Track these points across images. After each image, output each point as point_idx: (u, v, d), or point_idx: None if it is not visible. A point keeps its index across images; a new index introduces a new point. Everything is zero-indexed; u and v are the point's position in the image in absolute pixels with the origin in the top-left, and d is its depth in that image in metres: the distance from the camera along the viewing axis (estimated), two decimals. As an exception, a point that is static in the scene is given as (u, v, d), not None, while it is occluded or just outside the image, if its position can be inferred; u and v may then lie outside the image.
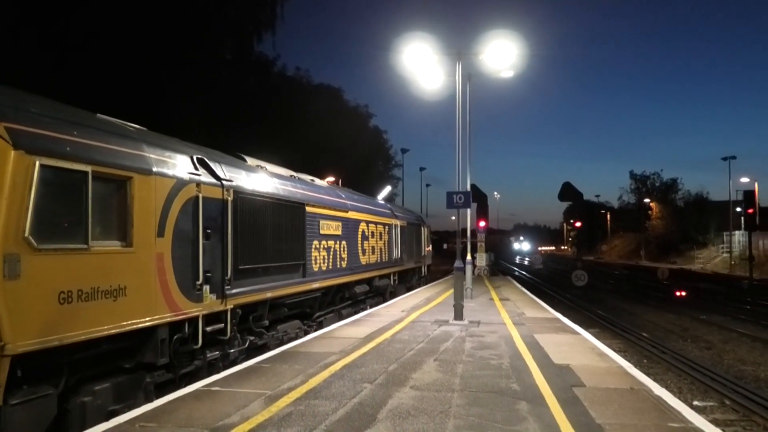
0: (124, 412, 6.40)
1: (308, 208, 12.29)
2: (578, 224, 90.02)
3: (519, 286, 27.81)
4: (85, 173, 5.96)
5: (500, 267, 58.42)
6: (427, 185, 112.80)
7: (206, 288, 8.10)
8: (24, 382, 5.35)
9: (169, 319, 7.24)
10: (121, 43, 22.53)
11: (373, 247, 17.72)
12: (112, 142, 6.53)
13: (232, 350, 9.12)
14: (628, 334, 18.51)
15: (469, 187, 21.98)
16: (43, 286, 5.39)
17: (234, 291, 8.87)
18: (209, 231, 8.23)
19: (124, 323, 6.40)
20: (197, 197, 7.97)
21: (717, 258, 59.71)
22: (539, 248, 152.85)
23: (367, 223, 17.23)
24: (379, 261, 18.51)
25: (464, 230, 24.48)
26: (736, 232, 54.43)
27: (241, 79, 31.88)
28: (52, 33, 20.99)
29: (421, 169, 58.99)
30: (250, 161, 11.12)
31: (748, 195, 42.37)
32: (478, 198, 31.18)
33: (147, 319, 6.81)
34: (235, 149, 11.62)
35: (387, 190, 38.26)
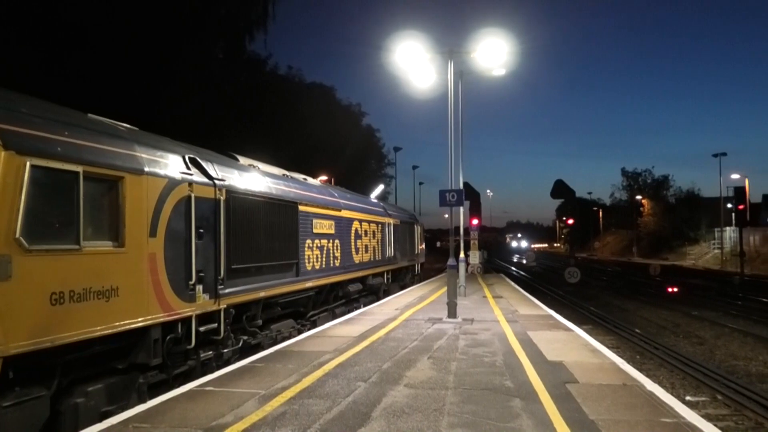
0: (117, 413, 6.38)
1: (301, 207, 12.28)
2: (571, 221, 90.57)
3: (512, 283, 27.89)
4: (77, 173, 5.93)
5: (494, 264, 58.53)
6: (420, 183, 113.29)
7: (199, 288, 8.08)
8: (16, 384, 5.33)
9: (161, 320, 7.22)
10: (112, 43, 22.42)
11: (366, 246, 17.72)
12: (103, 142, 6.50)
13: (225, 350, 9.11)
14: (620, 331, 18.58)
15: (461, 185, 22.01)
16: (35, 287, 5.36)
17: (227, 290, 8.85)
18: (202, 230, 8.21)
19: (117, 324, 6.37)
20: (189, 197, 7.95)
21: (708, 254, 60.12)
22: (532, 246, 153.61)
23: (360, 221, 17.23)
24: (372, 259, 18.52)
25: (457, 228, 24.58)
26: (727, 228, 54.80)
27: (233, 78, 31.79)
28: (41, 32, 20.85)
29: (414, 167, 58.93)
30: (243, 160, 11.10)
31: (739, 191, 42.71)
32: (470, 196, 31.34)
33: (140, 319, 6.79)
34: (227, 148, 11.59)
35: (380, 188, 38.24)
